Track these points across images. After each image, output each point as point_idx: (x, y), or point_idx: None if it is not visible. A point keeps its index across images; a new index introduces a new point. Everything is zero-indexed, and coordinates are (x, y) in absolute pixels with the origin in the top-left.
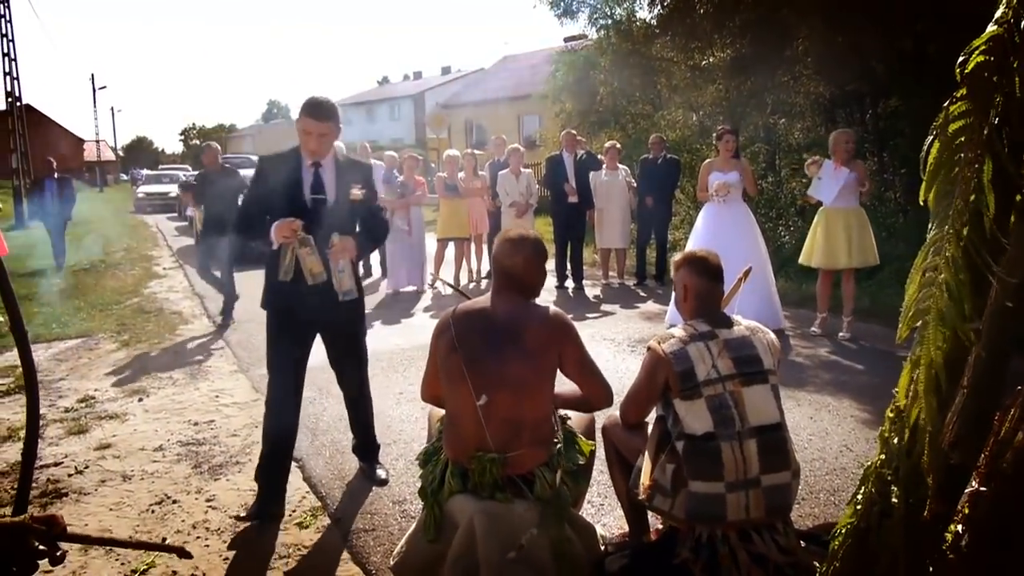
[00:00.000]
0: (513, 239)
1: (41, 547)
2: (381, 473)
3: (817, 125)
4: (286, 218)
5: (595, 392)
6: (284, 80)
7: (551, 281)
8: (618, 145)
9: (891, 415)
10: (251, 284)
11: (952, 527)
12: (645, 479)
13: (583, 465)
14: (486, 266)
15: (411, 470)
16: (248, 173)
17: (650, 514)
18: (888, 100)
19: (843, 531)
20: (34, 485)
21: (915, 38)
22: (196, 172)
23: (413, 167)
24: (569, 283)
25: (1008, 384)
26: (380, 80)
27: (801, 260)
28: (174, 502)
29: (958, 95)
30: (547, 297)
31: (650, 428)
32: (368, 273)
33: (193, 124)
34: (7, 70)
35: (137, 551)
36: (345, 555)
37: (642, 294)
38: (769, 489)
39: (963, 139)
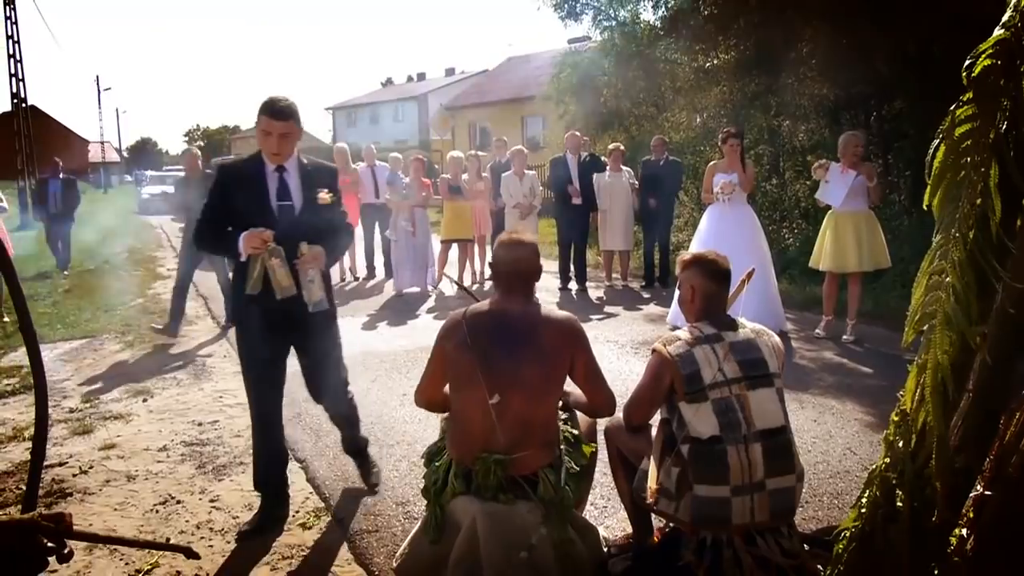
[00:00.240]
0: (512, 240)
1: (50, 544)
2: (375, 472)
3: (821, 127)
4: (255, 228)
5: (600, 400)
6: (288, 81)
7: (554, 283)
8: (622, 147)
9: (896, 419)
10: None
11: (957, 531)
12: (652, 483)
13: (585, 466)
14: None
15: (414, 471)
16: None
17: (653, 516)
18: (893, 102)
19: (847, 534)
20: (40, 485)
21: (920, 40)
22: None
23: (419, 169)
24: (572, 285)
25: (1014, 388)
26: (384, 81)
27: (811, 264)
28: (178, 502)
29: (964, 99)
30: (550, 299)
31: (654, 431)
32: (372, 274)
33: (197, 125)
34: (13, 72)
35: (142, 550)
36: (348, 556)
37: (645, 296)
38: (774, 493)
39: (969, 143)
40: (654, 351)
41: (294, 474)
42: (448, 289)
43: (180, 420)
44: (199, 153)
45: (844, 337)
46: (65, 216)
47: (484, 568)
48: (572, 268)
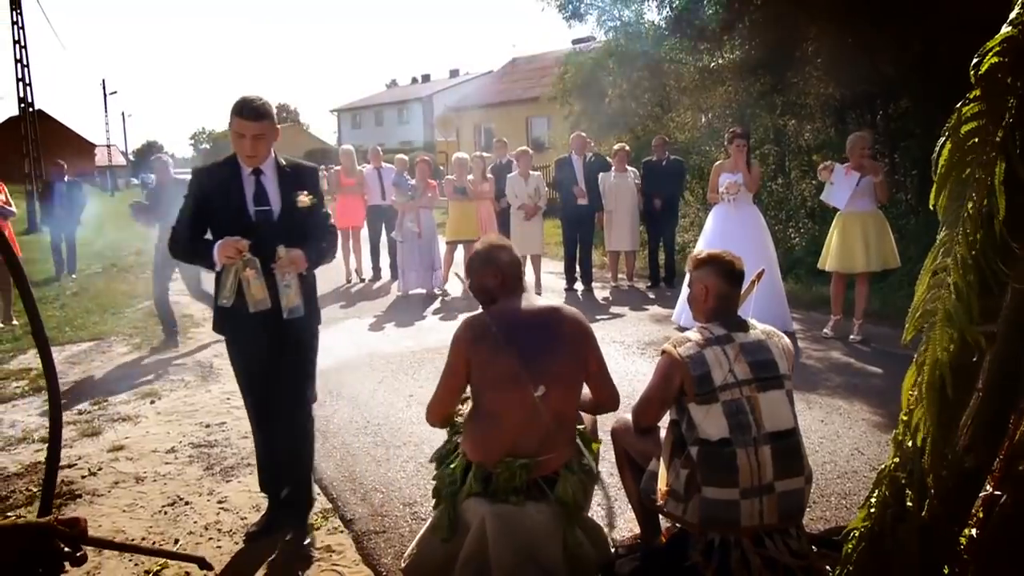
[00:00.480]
0: (503, 244)
1: (66, 549)
2: (307, 542)
3: (827, 126)
4: (231, 237)
5: (606, 396)
6: (292, 84)
7: (560, 283)
8: (627, 147)
9: (904, 418)
10: None
11: (967, 531)
12: (662, 484)
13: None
14: None
15: (421, 472)
16: None
17: (660, 517)
18: (899, 101)
19: (856, 534)
20: (35, 490)
21: (926, 39)
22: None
23: (425, 170)
24: (578, 285)
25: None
26: (388, 83)
27: (819, 264)
28: (186, 503)
29: (971, 96)
30: (556, 300)
31: (663, 432)
32: (378, 276)
33: (203, 128)
34: (20, 76)
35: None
36: (356, 556)
37: (651, 296)
38: (783, 495)
39: (975, 141)
40: (664, 352)
41: None
42: (454, 290)
43: (188, 422)
44: (169, 160)
45: (851, 337)
46: (71, 220)
47: (493, 569)
48: (578, 269)
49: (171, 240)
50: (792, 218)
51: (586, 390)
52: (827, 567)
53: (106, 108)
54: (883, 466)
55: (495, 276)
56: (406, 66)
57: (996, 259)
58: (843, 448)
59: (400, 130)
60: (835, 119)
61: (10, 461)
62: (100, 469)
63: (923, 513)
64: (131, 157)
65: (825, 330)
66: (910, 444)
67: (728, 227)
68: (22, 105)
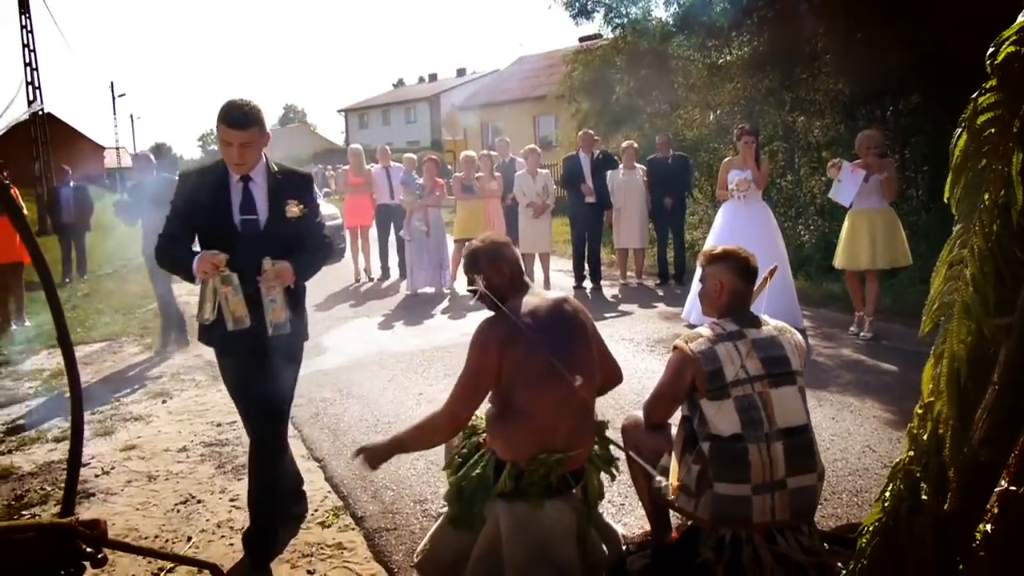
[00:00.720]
0: (496, 241)
1: (87, 549)
2: None
3: (836, 123)
4: (210, 250)
5: (612, 373)
6: (300, 84)
7: (569, 281)
8: (635, 145)
9: (919, 411)
10: None
11: (981, 526)
12: (673, 479)
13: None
14: None
15: (431, 470)
16: None
17: (671, 513)
18: (909, 97)
19: (870, 528)
20: (62, 485)
21: (935, 34)
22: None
23: (433, 169)
24: (587, 283)
25: None
26: (395, 83)
27: (834, 262)
28: (198, 502)
29: (987, 86)
30: (572, 297)
31: (674, 429)
32: (387, 275)
33: (211, 129)
34: (29, 80)
35: (166, 548)
36: (367, 553)
37: (660, 294)
38: (795, 491)
39: (992, 131)
40: (676, 348)
41: (313, 473)
42: (463, 289)
43: (199, 421)
44: (150, 156)
45: (862, 334)
46: (79, 224)
47: (506, 568)
48: (586, 266)
49: (157, 247)
50: (802, 215)
51: None
52: (839, 564)
53: (115, 110)
54: (897, 459)
55: (502, 274)
56: (413, 65)
57: (1013, 250)
58: (854, 445)
59: (407, 129)
60: (844, 115)
61: (24, 460)
62: (113, 468)
63: (944, 507)
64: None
65: (851, 328)
66: (925, 437)
67: (738, 224)
68: (28, 108)
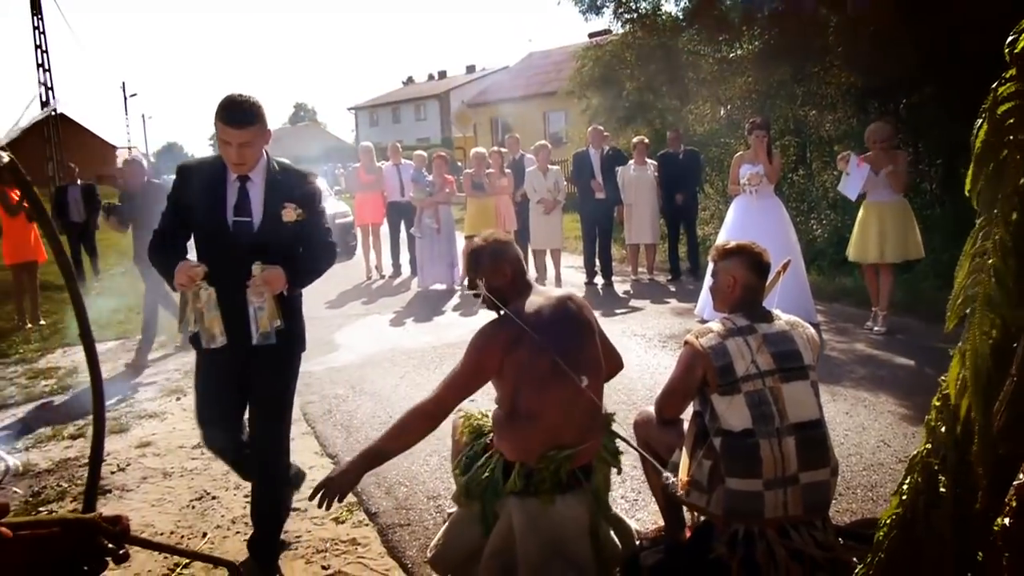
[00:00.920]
0: (499, 240)
1: (110, 546)
2: None
3: (848, 116)
4: (191, 261)
5: (615, 363)
6: (309, 83)
7: (580, 277)
8: (646, 140)
9: (937, 403)
10: None
11: (1000, 520)
12: (683, 475)
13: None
14: None
15: (445, 466)
16: None
17: (684, 509)
18: (923, 89)
19: (888, 522)
20: (78, 482)
21: (948, 25)
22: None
23: (442, 166)
24: (598, 279)
25: None
26: (405, 80)
27: (846, 253)
28: (213, 498)
29: (1007, 76)
30: (575, 294)
31: (685, 424)
32: (398, 272)
33: None
34: (41, 80)
35: (183, 543)
36: (381, 549)
37: (672, 289)
38: (808, 487)
39: (1012, 121)
40: (686, 343)
41: (326, 469)
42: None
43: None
44: (141, 160)
45: (876, 328)
46: (87, 223)
47: (520, 564)
48: (597, 263)
49: (150, 244)
50: (814, 209)
51: None
52: (854, 559)
53: (126, 110)
54: (915, 452)
55: (503, 275)
56: (422, 63)
57: None
58: (869, 440)
59: (417, 127)
60: (856, 109)
61: (41, 457)
62: (128, 465)
63: (965, 502)
64: (152, 159)
65: (867, 323)
66: (943, 430)
67: (750, 218)
68: (44, 107)
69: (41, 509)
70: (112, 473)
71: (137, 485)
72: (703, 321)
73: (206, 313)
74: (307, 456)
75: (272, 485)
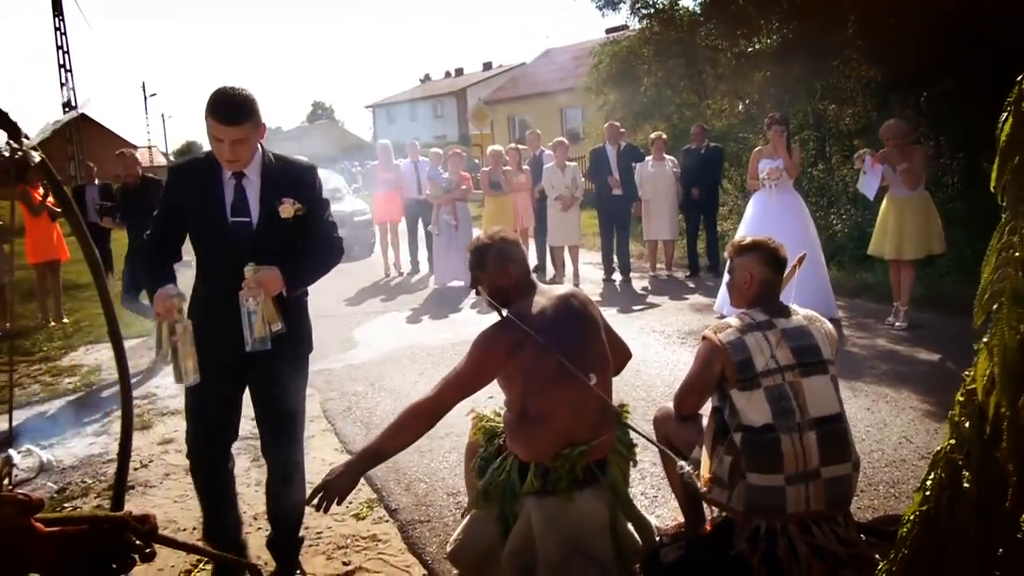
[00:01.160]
0: (508, 239)
1: (138, 543)
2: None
3: (869, 110)
4: (170, 288)
5: (623, 355)
6: (327, 81)
7: (598, 274)
8: (664, 136)
9: (961, 399)
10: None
11: None
12: (705, 471)
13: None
14: (532, 260)
15: (464, 463)
16: None
17: (705, 505)
18: (943, 82)
19: (911, 518)
20: (102, 478)
21: (969, 18)
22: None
23: (457, 163)
24: (616, 275)
25: None
26: (422, 78)
27: None
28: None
29: None
30: (594, 290)
31: (705, 420)
32: (416, 269)
33: None
34: (63, 81)
35: (204, 539)
36: (401, 545)
37: (691, 285)
38: (829, 481)
39: None
40: (704, 338)
41: None
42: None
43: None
44: (135, 155)
45: (897, 323)
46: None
47: (539, 563)
48: (615, 259)
49: (141, 250)
50: (834, 204)
51: None
52: (876, 556)
53: (146, 110)
54: (939, 448)
55: (508, 276)
56: (439, 60)
57: None
58: (891, 436)
59: (434, 124)
60: (876, 103)
61: (65, 454)
62: (151, 461)
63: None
64: (172, 158)
65: (888, 318)
66: (968, 425)
67: (769, 213)
68: (66, 109)
69: (66, 505)
70: (135, 469)
71: (160, 481)
72: (722, 317)
73: (181, 348)
74: (327, 453)
75: (289, 485)
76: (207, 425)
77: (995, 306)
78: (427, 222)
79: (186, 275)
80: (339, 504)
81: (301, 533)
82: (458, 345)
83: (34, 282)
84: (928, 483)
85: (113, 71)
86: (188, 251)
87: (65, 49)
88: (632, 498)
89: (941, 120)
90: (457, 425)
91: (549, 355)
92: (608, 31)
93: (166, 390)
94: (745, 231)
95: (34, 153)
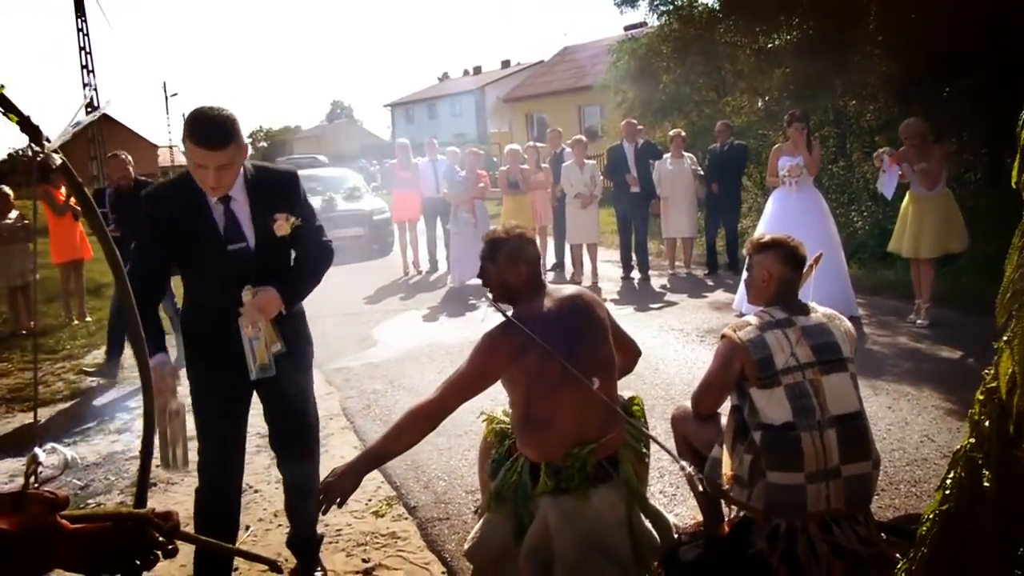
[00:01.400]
0: (523, 237)
1: (160, 539)
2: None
3: (889, 106)
4: (163, 360)
5: (630, 354)
6: (346, 80)
7: (617, 272)
8: (683, 133)
9: (981, 397)
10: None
11: None
12: (727, 470)
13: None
14: (551, 259)
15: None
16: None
17: (723, 504)
18: (966, 78)
19: (931, 517)
20: (125, 475)
21: (992, 12)
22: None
23: (475, 162)
24: (635, 274)
25: None
26: (441, 76)
27: None
28: (256, 491)
29: None
30: (612, 288)
31: (723, 419)
32: (435, 267)
33: (260, 127)
34: (86, 81)
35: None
36: (421, 543)
37: (710, 283)
38: (849, 480)
39: None
40: (724, 336)
41: None
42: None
43: (254, 413)
44: (128, 158)
45: (919, 321)
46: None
47: (556, 561)
48: (634, 257)
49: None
50: (855, 201)
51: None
52: (897, 555)
53: (167, 109)
54: (958, 447)
55: (519, 274)
56: (457, 58)
57: None
58: (912, 435)
59: (453, 123)
60: (898, 98)
61: (89, 451)
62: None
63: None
64: None
65: (910, 316)
66: (988, 424)
67: (788, 211)
68: (89, 110)
69: (89, 501)
70: (156, 466)
71: (181, 479)
72: (741, 315)
73: (170, 431)
74: (347, 450)
75: (305, 484)
76: (224, 459)
77: (1017, 305)
78: (446, 220)
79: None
80: (340, 507)
81: (320, 530)
82: (476, 342)
83: (58, 281)
84: (948, 482)
85: (134, 71)
86: None
87: (88, 50)
88: (650, 496)
89: (964, 116)
90: (475, 423)
91: (553, 360)
92: (627, 28)
93: (186, 387)
94: (764, 228)
95: (55, 155)
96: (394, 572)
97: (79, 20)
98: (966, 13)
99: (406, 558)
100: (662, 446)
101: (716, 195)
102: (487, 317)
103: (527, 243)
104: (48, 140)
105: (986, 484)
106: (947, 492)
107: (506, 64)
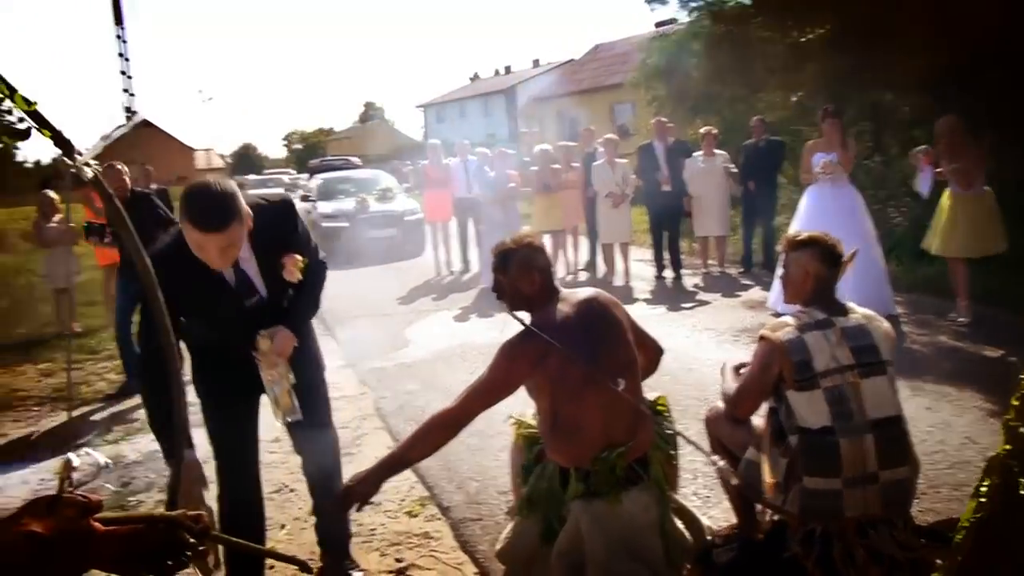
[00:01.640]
0: (533, 246)
1: (191, 541)
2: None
3: (927, 100)
4: (194, 463)
5: (652, 353)
6: (378, 81)
7: (650, 271)
8: (714, 130)
9: (1016, 403)
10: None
11: None
12: (768, 477)
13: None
14: (584, 257)
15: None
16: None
17: (758, 507)
18: (1007, 70)
19: (966, 524)
20: (164, 474)
21: None
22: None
23: (505, 162)
24: (667, 273)
25: None
26: (472, 76)
27: None
28: (291, 490)
29: None
30: (645, 287)
31: (755, 420)
32: (467, 268)
33: (295, 129)
34: (125, 88)
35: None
36: (453, 543)
37: (744, 282)
38: (887, 485)
39: None
40: (762, 338)
41: None
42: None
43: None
44: (124, 169)
45: (958, 319)
46: (158, 228)
47: (587, 563)
48: (667, 256)
49: (144, 361)
50: (892, 197)
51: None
52: (937, 560)
53: (203, 115)
54: (994, 453)
55: (532, 283)
56: (488, 59)
57: None
58: (953, 437)
59: (484, 123)
60: (935, 92)
61: (130, 450)
62: (205, 461)
63: None
64: (228, 160)
65: (950, 314)
66: (1023, 430)
67: (824, 208)
68: (128, 115)
69: (130, 499)
70: None
71: (212, 480)
72: (776, 314)
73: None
74: (381, 451)
75: (329, 481)
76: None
77: None
78: (477, 221)
79: None
80: (359, 511)
81: (353, 529)
82: None
83: (101, 284)
84: (983, 489)
85: (171, 76)
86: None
87: (127, 57)
88: (684, 499)
89: (1004, 109)
90: (508, 425)
91: (575, 364)
92: (657, 25)
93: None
94: (799, 226)
95: (87, 168)
96: (427, 572)
97: (118, 27)
98: (1005, 2)
99: (439, 558)
100: (690, 441)
101: (752, 192)
102: (512, 320)
103: (536, 251)
104: (80, 153)
105: (1022, 492)
106: (981, 500)
107: (536, 63)
